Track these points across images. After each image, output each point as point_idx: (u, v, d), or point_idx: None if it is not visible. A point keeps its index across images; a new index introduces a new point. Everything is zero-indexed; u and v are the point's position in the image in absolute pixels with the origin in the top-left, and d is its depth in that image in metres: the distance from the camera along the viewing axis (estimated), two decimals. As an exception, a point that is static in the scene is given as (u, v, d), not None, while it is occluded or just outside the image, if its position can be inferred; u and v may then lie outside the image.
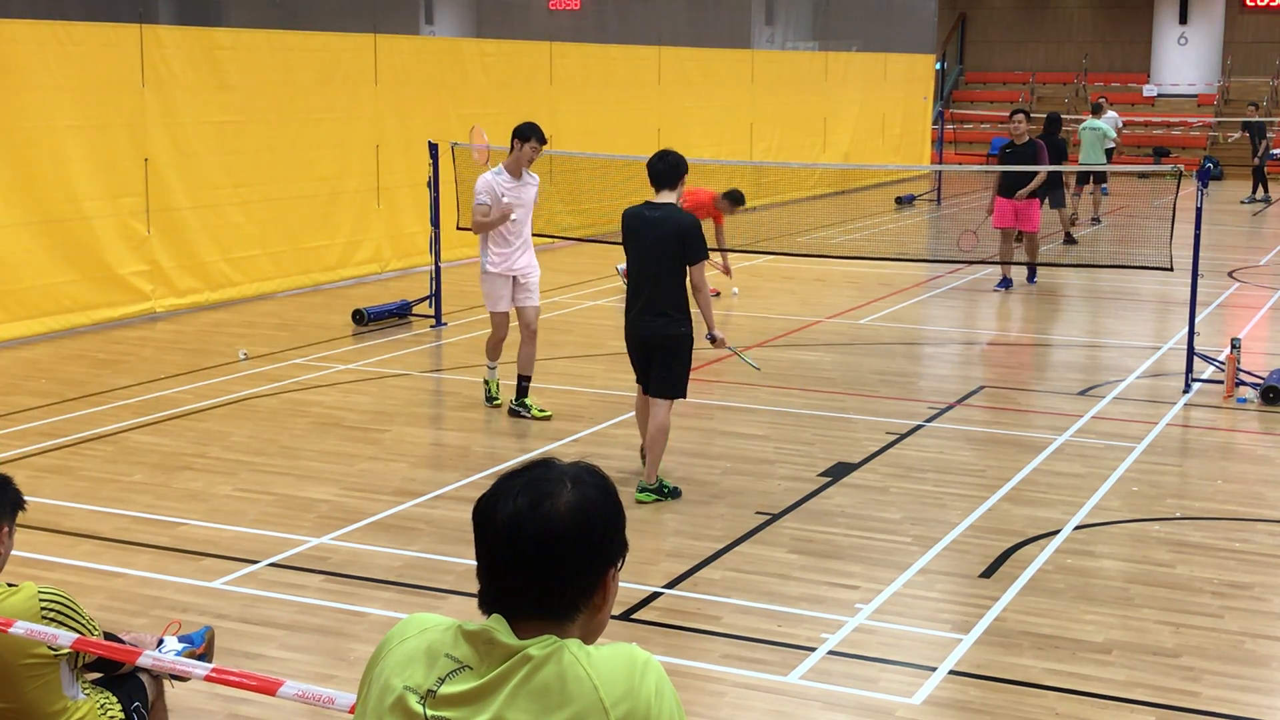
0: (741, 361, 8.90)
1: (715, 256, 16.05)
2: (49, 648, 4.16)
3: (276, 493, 8.47)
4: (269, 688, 3.89)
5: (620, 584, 2.48)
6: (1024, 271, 17.05)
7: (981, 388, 11.51)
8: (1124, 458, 9.32)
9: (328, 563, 7.29)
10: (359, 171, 16.54)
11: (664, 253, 8.13)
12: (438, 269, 14.06)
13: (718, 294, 15.86)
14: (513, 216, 10.17)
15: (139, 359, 12.27)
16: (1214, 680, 5.96)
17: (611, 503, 2.41)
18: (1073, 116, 29.94)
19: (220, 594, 6.85)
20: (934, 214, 25.18)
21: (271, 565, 7.25)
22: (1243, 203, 27.08)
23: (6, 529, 4.26)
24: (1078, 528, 7.90)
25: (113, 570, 7.16)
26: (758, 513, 8.12)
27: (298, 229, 15.74)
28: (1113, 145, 23.44)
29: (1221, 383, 11.17)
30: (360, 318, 13.69)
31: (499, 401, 10.46)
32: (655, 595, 6.84)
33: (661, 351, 8.27)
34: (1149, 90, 37.80)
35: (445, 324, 13.83)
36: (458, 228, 14.30)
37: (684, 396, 8.40)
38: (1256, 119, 28.77)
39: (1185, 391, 11.17)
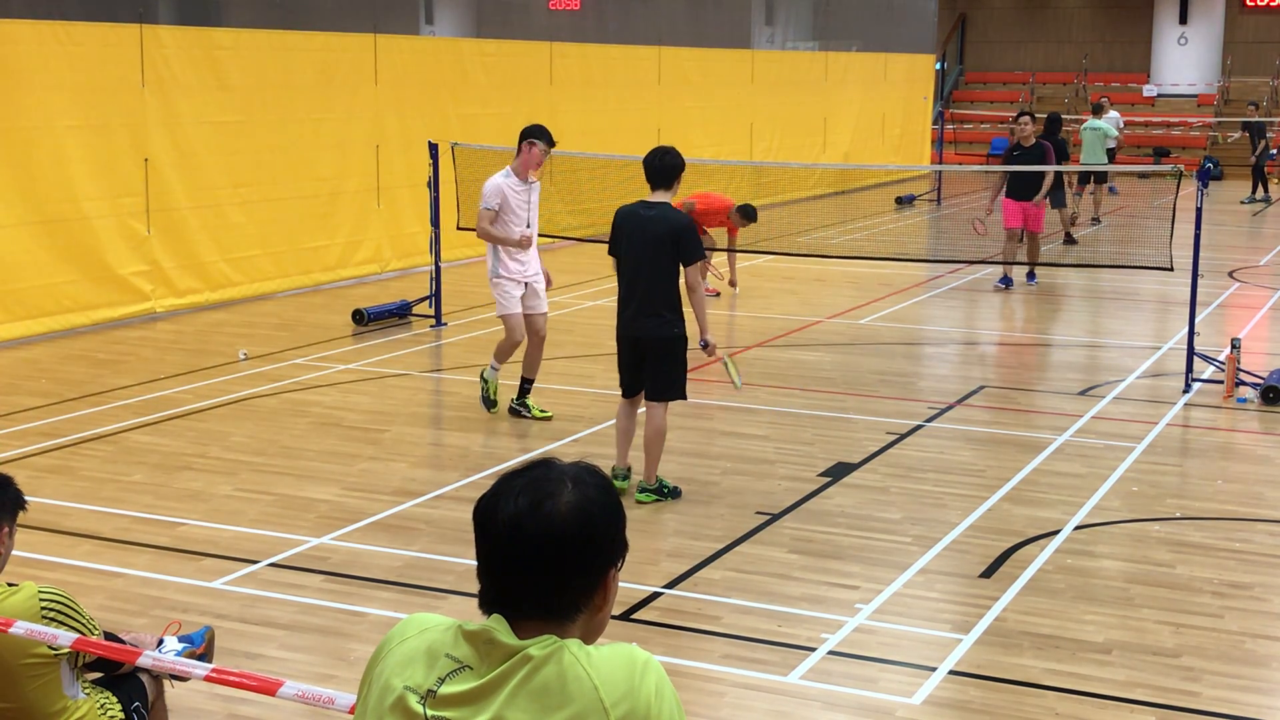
0: (726, 373, 8.78)
1: (722, 266, 16.04)
2: (49, 647, 4.16)
3: (276, 493, 8.47)
4: (269, 688, 3.89)
5: (620, 584, 2.48)
6: (1024, 271, 17.08)
7: (981, 388, 11.52)
8: (1124, 458, 9.32)
9: (328, 563, 7.29)
10: (359, 171, 16.54)
11: (657, 252, 8.01)
12: (438, 269, 14.06)
13: (717, 294, 15.87)
14: (527, 230, 10.07)
15: (139, 359, 12.27)
16: (1214, 680, 5.96)
17: (612, 503, 2.41)
18: (1073, 116, 29.93)
19: (220, 594, 6.85)
20: (934, 214, 25.18)
21: (271, 565, 7.25)
22: (1243, 203, 27.08)
23: (7, 529, 4.26)
24: (1078, 528, 7.90)
25: (113, 570, 7.16)
26: (758, 513, 8.12)
27: (298, 229, 15.74)
28: (1114, 145, 23.44)
29: (1221, 383, 11.17)
30: (360, 318, 13.69)
31: (497, 409, 10.32)
32: (655, 595, 6.84)
33: (655, 353, 8.16)
34: (1149, 90, 37.80)
35: (445, 324, 13.83)
36: (458, 228, 14.30)
37: (684, 398, 8.35)
38: (1256, 119, 28.77)
39: (1185, 391, 11.18)
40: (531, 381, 10.27)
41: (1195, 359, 11.33)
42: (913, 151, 31.69)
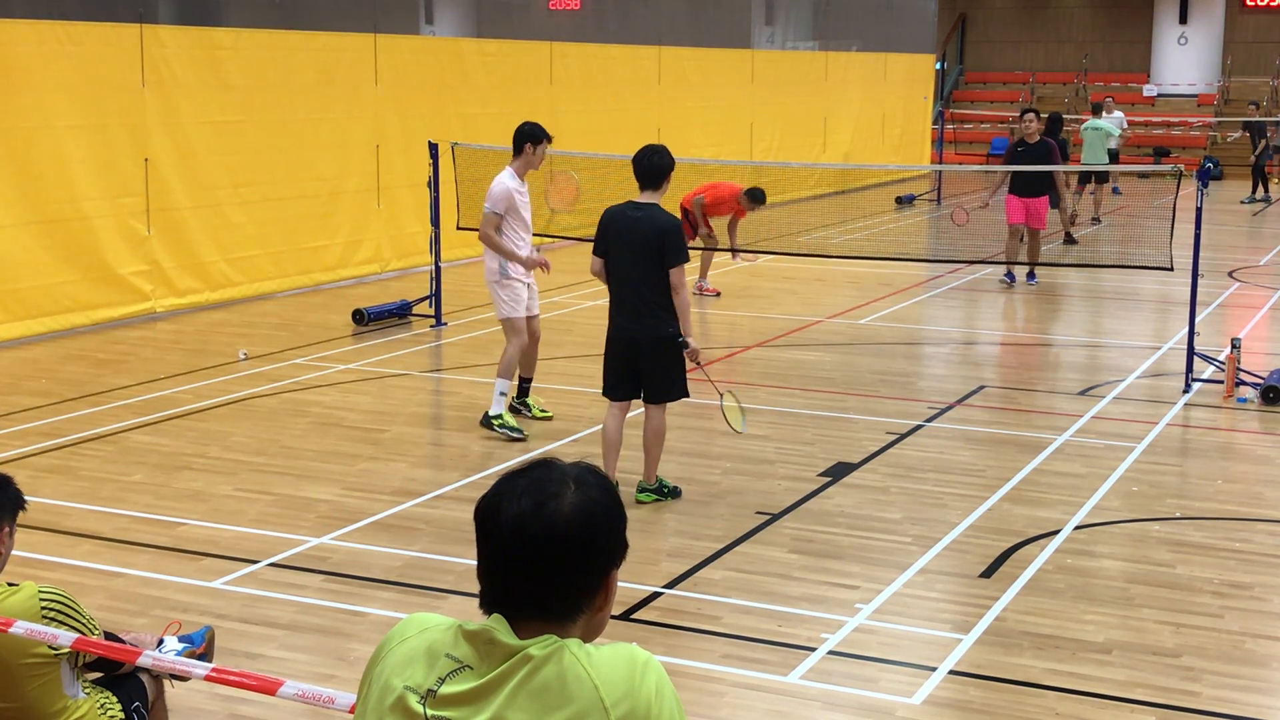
0: (725, 420, 8.69)
1: (724, 242, 15.99)
2: (49, 647, 4.16)
3: (276, 493, 8.47)
4: (269, 688, 3.89)
5: (620, 584, 2.48)
6: (1024, 270, 17.09)
7: (981, 388, 11.52)
8: (1124, 458, 9.32)
9: (328, 563, 7.29)
10: (359, 171, 16.54)
11: (646, 253, 7.92)
12: (438, 269, 14.06)
13: (718, 294, 15.86)
14: (537, 254, 9.98)
15: (139, 359, 12.27)
16: (1214, 680, 5.96)
17: (614, 504, 2.41)
18: (1073, 116, 29.93)
19: (220, 594, 6.85)
20: (934, 214, 25.18)
21: (271, 565, 7.25)
22: (1243, 202, 27.08)
23: (7, 529, 4.26)
24: (1078, 528, 7.90)
25: (113, 570, 7.17)
26: (758, 513, 8.12)
27: (298, 229, 15.74)
28: (1116, 146, 23.43)
29: (1221, 383, 11.17)
30: (360, 318, 13.69)
31: (525, 436, 9.76)
32: (655, 595, 6.84)
33: (653, 354, 8.07)
34: (1149, 90, 37.80)
35: (445, 324, 13.83)
36: (458, 228, 14.30)
37: (686, 395, 8.32)
38: (1257, 119, 28.77)
39: (1185, 391, 11.17)
40: (530, 380, 10.24)
41: (1195, 359, 11.33)
42: (913, 151, 31.68)
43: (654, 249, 7.91)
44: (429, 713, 2.32)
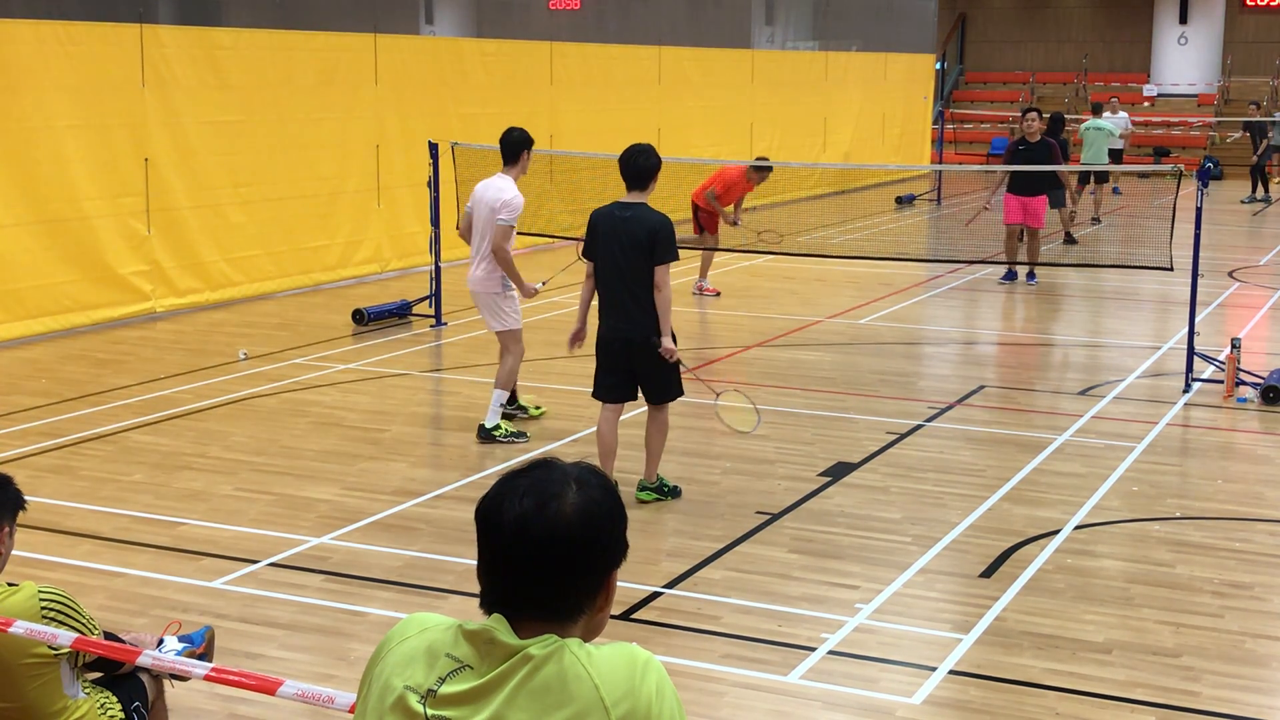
0: (723, 422, 8.68)
1: (727, 212, 15.96)
2: (49, 647, 4.16)
3: (276, 493, 8.47)
4: (269, 687, 3.89)
5: (620, 584, 2.48)
6: (1023, 270, 17.11)
7: (981, 388, 11.52)
8: (1124, 457, 9.32)
9: (328, 563, 7.29)
10: (359, 171, 16.54)
11: (636, 254, 7.89)
12: (438, 269, 14.06)
13: (718, 294, 15.85)
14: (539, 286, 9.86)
15: (139, 359, 12.27)
16: (1214, 680, 5.96)
17: (615, 504, 2.42)
18: (1074, 116, 29.93)
19: (220, 594, 6.85)
20: (934, 214, 25.18)
21: (271, 565, 7.25)
22: (1242, 202, 27.07)
23: (7, 529, 4.26)
24: (1078, 528, 7.90)
25: (113, 570, 7.17)
26: (758, 513, 8.12)
27: (298, 229, 15.75)
28: (1119, 146, 23.41)
29: (1221, 382, 11.17)
30: (360, 318, 13.69)
31: (527, 438, 9.73)
32: (655, 595, 6.84)
33: (650, 354, 8.04)
34: (1149, 90, 37.80)
35: (445, 324, 13.83)
36: (457, 227, 14.28)
37: (681, 394, 8.32)
38: (1258, 119, 28.77)
39: (1185, 391, 11.17)
40: (515, 385, 10.06)
41: (1195, 359, 11.33)
42: (913, 151, 31.68)
43: (644, 248, 7.88)
44: (429, 712, 2.32)
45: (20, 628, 4.07)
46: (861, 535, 7.75)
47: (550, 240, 17.05)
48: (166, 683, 4.79)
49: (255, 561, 7.28)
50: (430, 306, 14.00)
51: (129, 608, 6.62)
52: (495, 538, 2.37)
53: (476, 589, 2.42)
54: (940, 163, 30.34)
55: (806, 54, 28.40)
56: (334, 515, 8.04)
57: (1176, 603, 6.82)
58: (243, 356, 12.18)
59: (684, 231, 16.28)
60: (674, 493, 8.39)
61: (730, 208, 15.78)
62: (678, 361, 8.12)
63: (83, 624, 4.22)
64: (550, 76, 19.86)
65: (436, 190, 13.88)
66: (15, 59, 12.72)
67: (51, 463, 9.09)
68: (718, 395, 8.67)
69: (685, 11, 24.56)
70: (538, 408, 10.20)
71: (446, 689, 2.32)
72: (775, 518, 8.03)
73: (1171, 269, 12.73)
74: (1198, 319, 11.71)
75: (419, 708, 2.33)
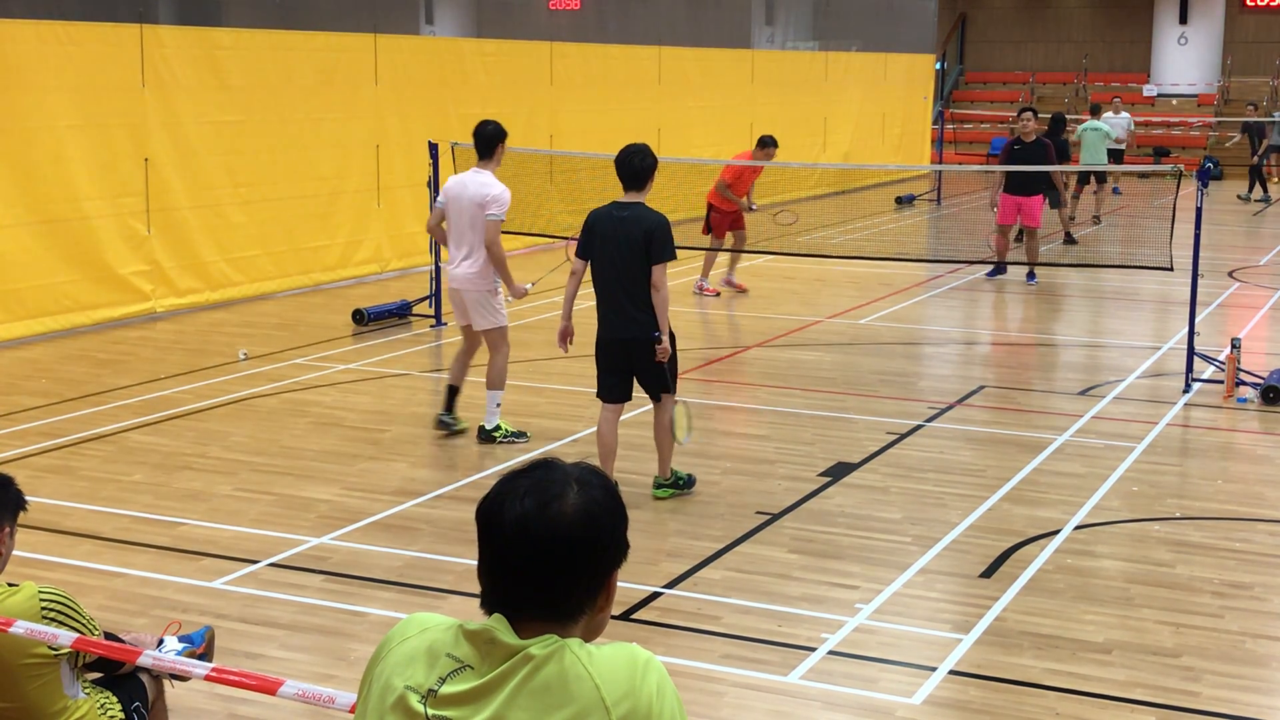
0: (671, 425, 8.64)
1: (743, 202, 15.94)
2: (49, 647, 4.16)
3: (276, 493, 8.47)
4: (269, 687, 3.89)
5: (620, 584, 2.48)
6: (1020, 269, 17.15)
7: (981, 388, 11.51)
8: (1124, 458, 9.32)
9: (328, 563, 7.29)
10: (359, 171, 16.54)
11: (634, 254, 7.89)
12: (438, 269, 14.06)
13: (717, 294, 15.84)
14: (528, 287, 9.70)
15: (139, 359, 12.27)
16: (1214, 680, 5.96)
17: (616, 505, 2.42)
18: (1074, 116, 29.93)
19: (220, 594, 6.85)
20: (934, 214, 25.18)
21: (271, 565, 7.25)
22: (1239, 198, 27.04)
23: (8, 529, 4.26)
24: (1078, 528, 7.90)
25: (113, 570, 7.16)
26: (758, 513, 8.12)
27: (298, 229, 15.74)
28: (1119, 147, 23.39)
29: (1221, 383, 11.17)
30: (360, 318, 13.69)
31: (528, 437, 9.66)
32: (655, 595, 6.84)
33: (646, 354, 8.04)
34: (1149, 90, 37.79)
35: (445, 324, 13.82)
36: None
37: (673, 391, 8.29)
38: (1255, 119, 28.77)
39: (1185, 391, 11.17)
40: (459, 391, 9.77)
41: (1195, 359, 11.33)
42: (913, 151, 31.68)
43: (642, 247, 7.90)
44: (430, 712, 2.33)
45: (20, 628, 4.07)
46: (861, 535, 7.75)
47: (550, 240, 17.05)
48: (166, 683, 4.79)
49: (255, 561, 7.28)
50: (430, 306, 14.00)
51: (129, 608, 6.62)
52: (496, 538, 2.37)
53: (477, 589, 2.42)
54: (940, 163, 30.33)
55: (806, 54, 28.40)
56: (334, 515, 8.04)
57: (1176, 603, 6.82)
58: (243, 356, 12.18)
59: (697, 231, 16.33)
60: (689, 482, 8.42)
61: (745, 198, 15.77)
62: (673, 359, 8.14)
63: (83, 624, 4.22)
64: (550, 76, 19.86)
65: (436, 190, 13.87)
66: (15, 59, 12.72)
67: (51, 463, 9.09)
68: (676, 400, 8.54)
69: (685, 11, 24.56)
70: (462, 421, 9.78)
71: (447, 689, 2.32)
72: (775, 518, 8.04)
73: (1171, 269, 12.74)
74: (1198, 319, 11.71)
75: (419, 707, 2.33)
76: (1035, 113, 16.98)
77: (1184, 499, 8.56)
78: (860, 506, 8.26)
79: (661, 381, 8.17)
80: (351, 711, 3.56)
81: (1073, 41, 39.44)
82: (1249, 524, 8.06)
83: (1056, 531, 7.80)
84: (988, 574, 7.18)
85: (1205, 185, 11.13)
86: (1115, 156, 23.46)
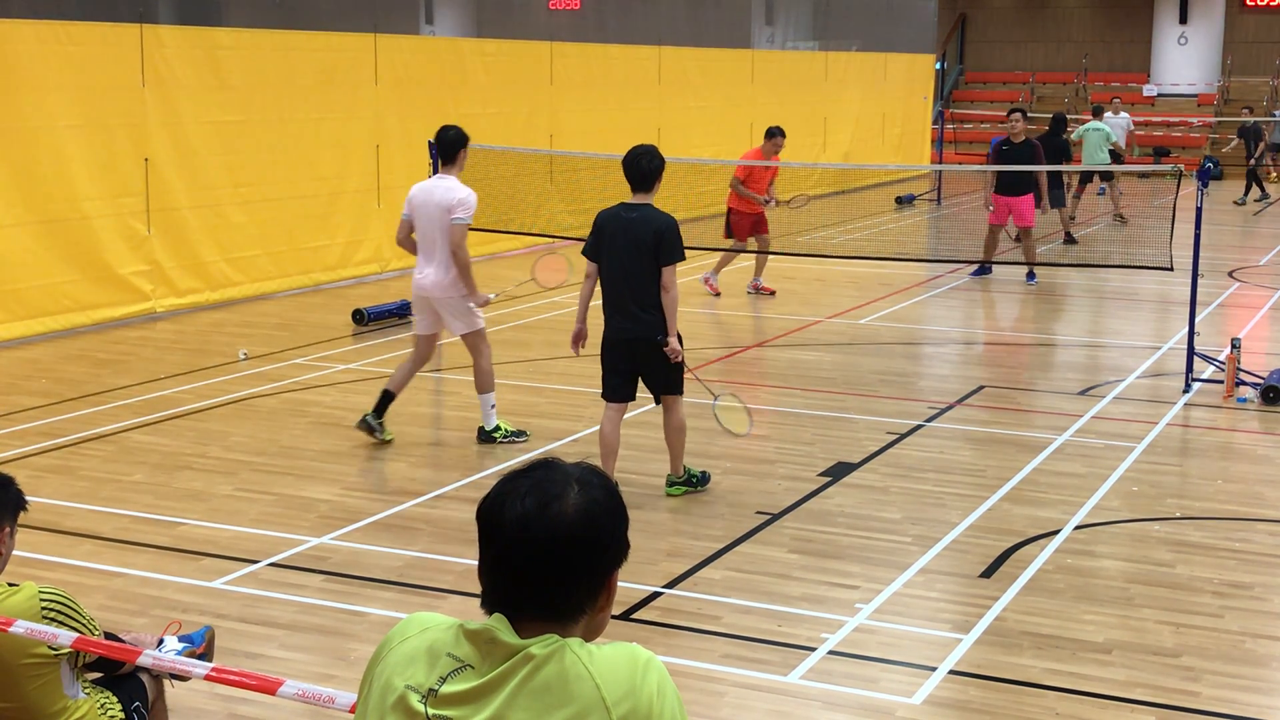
0: (719, 422, 8.71)
1: (760, 198, 15.89)
2: (49, 647, 4.16)
3: (276, 493, 8.47)
4: (269, 687, 3.89)
5: (620, 584, 2.48)
6: (1017, 269, 17.19)
7: (981, 388, 11.51)
8: (1124, 458, 9.32)
9: (328, 563, 7.29)
10: (359, 171, 16.54)
11: (641, 255, 7.92)
12: (438, 269, 14.03)
13: (718, 294, 15.83)
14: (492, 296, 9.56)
15: (139, 359, 12.27)
16: (1214, 680, 5.96)
17: (617, 505, 2.42)
18: (1074, 116, 29.92)
19: (220, 594, 6.85)
20: (934, 214, 25.19)
21: (271, 565, 7.25)
22: (1236, 203, 27.04)
23: (8, 529, 4.26)
24: (1078, 528, 7.90)
25: (113, 570, 7.17)
26: (758, 513, 8.12)
27: (298, 229, 15.75)
28: (1119, 151, 23.37)
29: (1221, 383, 11.17)
30: (360, 318, 13.69)
31: (527, 436, 9.64)
32: (655, 595, 6.84)
33: (653, 353, 8.08)
34: (1149, 90, 37.79)
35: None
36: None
37: (680, 392, 8.31)
38: (1251, 120, 28.76)
39: (1185, 391, 11.17)
40: (394, 398, 9.52)
41: (1195, 359, 11.33)
42: (913, 151, 31.68)
43: (649, 249, 7.92)
44: (430, 712, 2.33)
45: (20, 628, 4.07)
46: (861, 535, 7.75)
47: (550, 240, 17.05)
48: (166, 683, 4.79)
49: (255, 561, 7.28)
50: (430, 306, 13.98)
51: (129, 608, 6.62)
52: (497, 538, 2.37)
53: (477, 589, 2.42)
54: (940, 163, 30.33)
55: (806, 54, 28.40)
56: (334, 515, 8.04)
57: (1176, 603, 6.82)
58: (243, 356, 12.18)
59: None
60: (703, 479, 8.44)
61: (765, 196, 15.66)
62: (681, 361, 8.15)
63: (83, 624, 4.22)
64: (550, 76, 19.86)
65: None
66: (15, 59, 12.72)
67: (51, 463, 9.09)
68: (716, 397, 8.67)
69: (685, 11, 24.55)
70: (390, 434, 9.58)
71: (447, 688, 2.32)
72: (775, 518, 8.04)
73: (1171, 269, 12.73)
74: (1198, 319, 11.71)
75: (420, 707, 2.33)
76: (1024, 113, 17.06)
77: (1184, 499, 8.56)
78: (860, 506, 8.26)
79: (667, 382, 8.19)
80: (351, 711, 3.56)
81: (1073, 41, 39.44)
82: (1249, 524, 8.06)
83: (1056, 531, 7.80)
84: (988, 574, 7.18)
85: (1205, 185, 11.13)
86: (1115, 157, 23.44)
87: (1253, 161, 27.72)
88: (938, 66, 34.51)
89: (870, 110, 29.49)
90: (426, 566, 7.24)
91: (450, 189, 9.22)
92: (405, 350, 12.72)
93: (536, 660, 2.29)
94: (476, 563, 2.43)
